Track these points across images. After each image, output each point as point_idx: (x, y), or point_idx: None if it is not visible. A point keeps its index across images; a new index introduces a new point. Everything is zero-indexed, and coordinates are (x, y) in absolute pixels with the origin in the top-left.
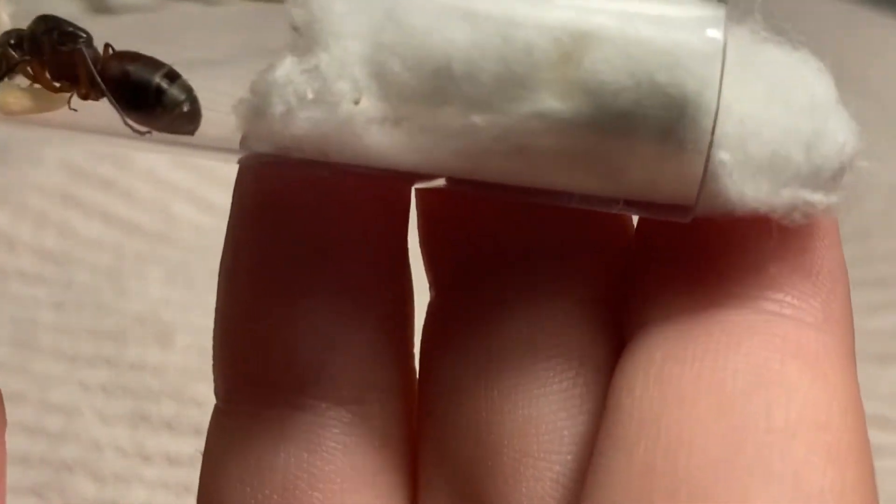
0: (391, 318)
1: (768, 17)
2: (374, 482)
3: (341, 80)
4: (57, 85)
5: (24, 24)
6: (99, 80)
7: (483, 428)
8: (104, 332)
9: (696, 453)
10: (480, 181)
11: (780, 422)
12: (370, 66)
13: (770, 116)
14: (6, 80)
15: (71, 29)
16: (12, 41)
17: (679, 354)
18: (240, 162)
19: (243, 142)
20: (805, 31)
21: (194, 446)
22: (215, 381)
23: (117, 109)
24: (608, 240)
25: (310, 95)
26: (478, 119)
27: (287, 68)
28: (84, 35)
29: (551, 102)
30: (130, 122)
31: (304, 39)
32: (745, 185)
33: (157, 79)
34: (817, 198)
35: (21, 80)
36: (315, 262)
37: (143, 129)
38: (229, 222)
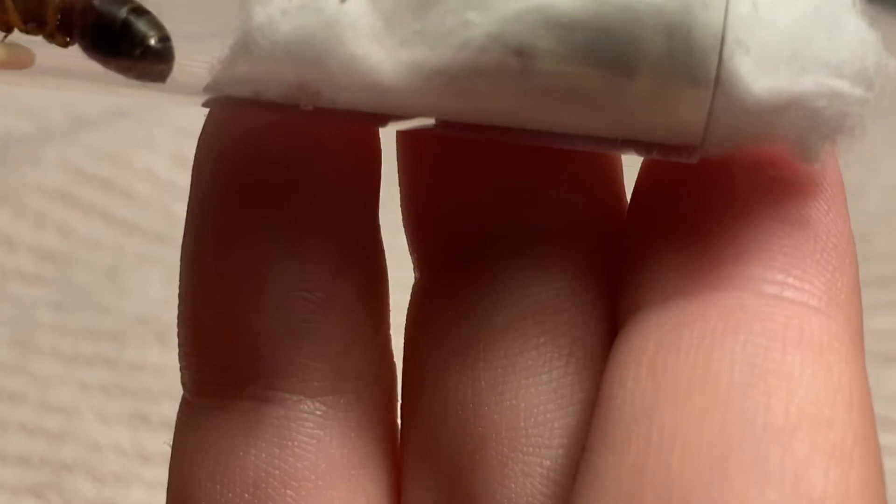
0: (364, 300)
1: None
2: (351, 477)
3: None
4: (23, 27)
5: None
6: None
7: (470, 420)
8: (104, 332)
9: (690, 453)
10: (472, 122)
11: (779, 418)
12: None
13: (784, 3)
14: None
15: None
16: None
17: (673, 343)
18: (206, 105)
19: (216, 83)
20: None
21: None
22: (181, 371)
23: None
24: (600, 220)
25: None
26: (473, 15)
27: None
28: None
29: None
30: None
31: None
32: (763, 76)
33: (124, 13)
34: (842, 85)
35: None
36: (280, 243)
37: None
38: (189, 206)
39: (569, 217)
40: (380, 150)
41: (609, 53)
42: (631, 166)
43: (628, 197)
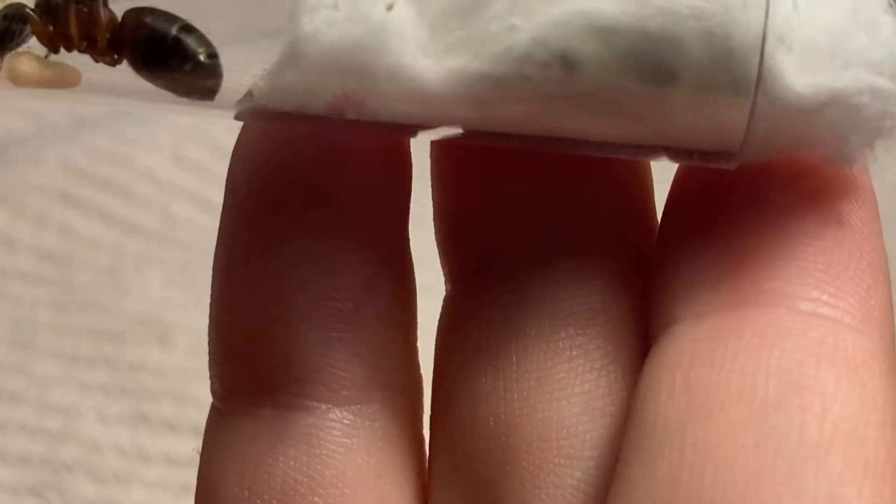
0: (393, 311)
1: None
2: (378, 485)
3: None
4: (70, 46)
5: None
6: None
7: (501, 430)
8: (104, 332)
9: (724, 467)
10: (511, 130)
11: (814, 434)
12: None
13: (823, 3)
14: (16, 48)
15: None
16: (25, 9)
17: (708, 357)
18: (238, 118)
19: (258, 96)
20: None
21: (194, 446)
22: (211, 378)
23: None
24: (632, 233)
25: (342, 6)
26: (518, 20)
27: None
28: None
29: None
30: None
31: None
32: (805, 73)
33: (175, 30)
34: (883, 82)
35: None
36: (312, 254)
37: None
38: (222, 217)
39: (601, 230)
40: (410, 162)
41: (651, 57)
42: (661, 182)
43: (658, 210)
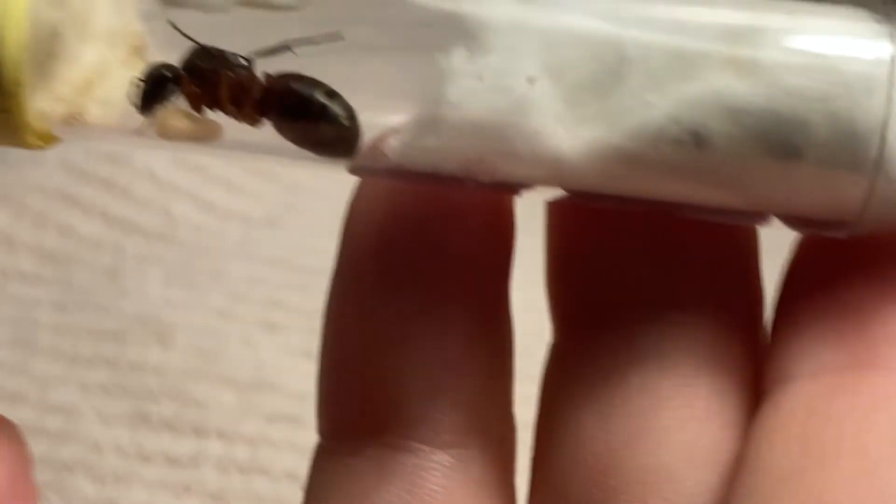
0: (494, 364)
1: None
2: None
3: (516, 63)
4: (216, 109)
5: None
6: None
7: (602, 472)
8: (104, 332)
9: None
10: (636, 195)
11: None
12: (543, 56)
13: None
14: (165, 105)
15: (233, 56)
16: (174, 71)
17: (824, 412)
18: (353, 173)
19: (397, 156)
20: None
21: (194, 446)
22: (319, 419)
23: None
24: (738, 293)
25: (486, 78)
26: (653, 97)
27: (461, 57)
28: (247, 60)
29: (727, 80)
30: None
31: (476, 41)
32: None
33: (320, 95)
34: None
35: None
36: (422, 305)
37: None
38: (336, 263)
39: (710, 286)
40: (515, 219)
41: (778, 135)
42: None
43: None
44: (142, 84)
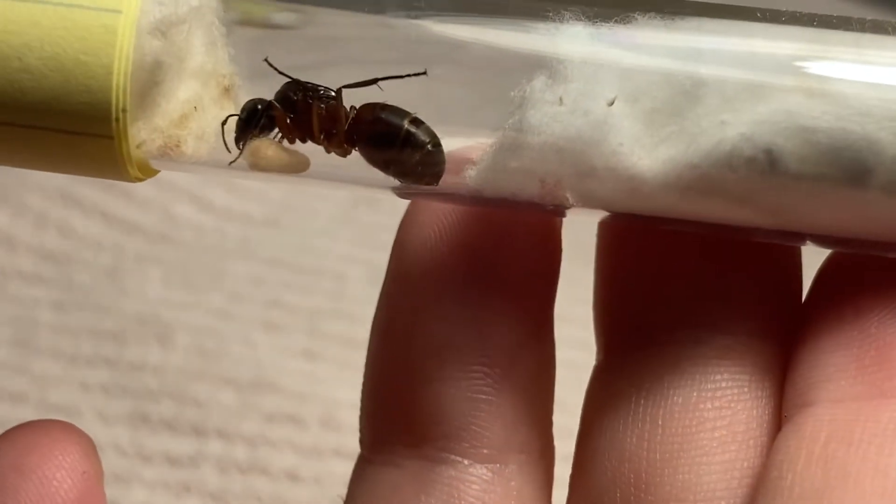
0: (534, 382)
1: None
2: None
3: (596, 87)
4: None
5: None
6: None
7: (641, 488)
8: (104, 332)
9: None
10: (709, 218)
11: None
12: (620, 83)
13: None
14: (257, 136)
15: (322, 89)
16: (269, 105)
17: (845, 436)
18: (401, 194)
19: (477, 181)
20: None
21: (194, 446)
22: (361, 430)
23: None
24: (780, 319)
25: (566, 102)
26: (728, 117)
27: (542, 83)
28: (335, 92)
29: (798, 99)
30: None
31: (555, 72)
32: None
33: (406, 123)
34: None
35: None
36: (467, 320)
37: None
38: (386, 278)
39: (754, 311)
40: (561, 240)
41: (848, 154)
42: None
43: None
44: (241, 117)
